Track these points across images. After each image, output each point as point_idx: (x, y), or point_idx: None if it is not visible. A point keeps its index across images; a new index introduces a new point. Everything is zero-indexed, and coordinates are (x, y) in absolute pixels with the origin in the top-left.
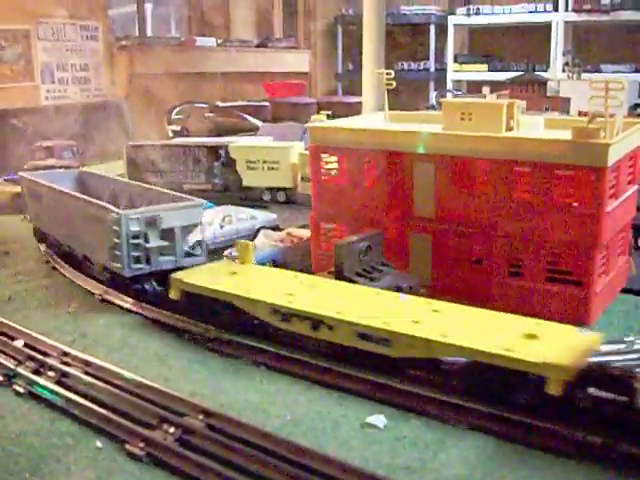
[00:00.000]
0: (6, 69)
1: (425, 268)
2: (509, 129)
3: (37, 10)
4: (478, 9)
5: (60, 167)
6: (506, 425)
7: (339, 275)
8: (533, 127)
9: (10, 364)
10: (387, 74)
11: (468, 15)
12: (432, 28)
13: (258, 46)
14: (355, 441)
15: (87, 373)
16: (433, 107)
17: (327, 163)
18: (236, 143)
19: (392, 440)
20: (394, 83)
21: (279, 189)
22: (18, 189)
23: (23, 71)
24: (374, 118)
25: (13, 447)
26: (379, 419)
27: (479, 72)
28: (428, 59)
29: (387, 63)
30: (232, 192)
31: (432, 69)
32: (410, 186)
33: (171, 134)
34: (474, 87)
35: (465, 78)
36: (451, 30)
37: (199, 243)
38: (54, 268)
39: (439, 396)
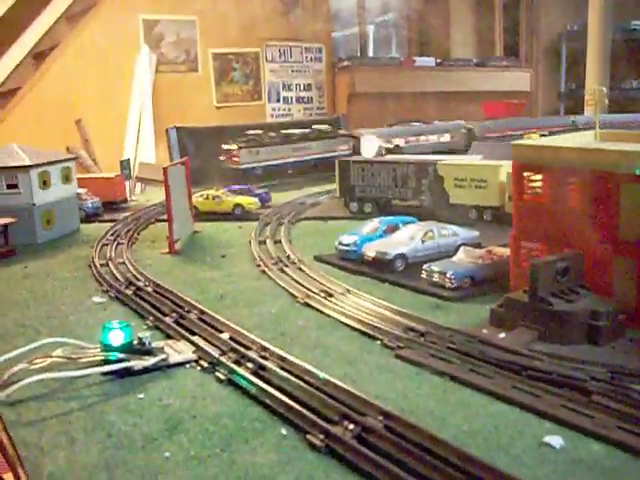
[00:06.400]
0: (237, 89)
1: (629, 294)
2: None
3: (266, 34)
4: None
5: None
6: None
7: (533, 295)
8: None
9: (215, 353)
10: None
11: None
12: None
13: (477, 65)
14: (528, 458)
15: (282, 368)
16: None
17: (530, 181)
18: (444, 161)
19: (567, 462)
20: (606, 100)
21: (486, 207)
22: (238, 199)
23: (252, 91)
24: (583, 137)
25: (209, 425)
26: (556, 439)
27: None
28: None
29: (613, 81)
30: (439, 209)
31: None
32: (617, 208)
33: (384, 152)
34: None
35: None
36: None
37: (401, 256)
38: (264, 272)
39: (624, 424)
